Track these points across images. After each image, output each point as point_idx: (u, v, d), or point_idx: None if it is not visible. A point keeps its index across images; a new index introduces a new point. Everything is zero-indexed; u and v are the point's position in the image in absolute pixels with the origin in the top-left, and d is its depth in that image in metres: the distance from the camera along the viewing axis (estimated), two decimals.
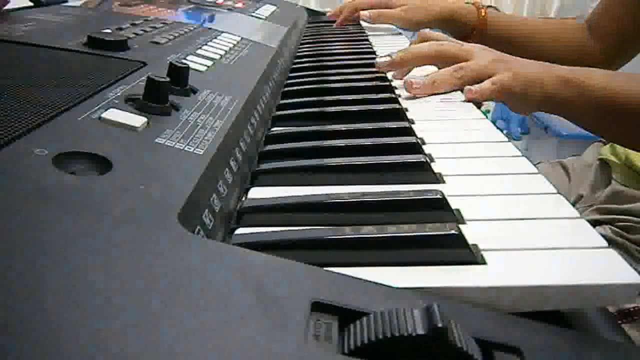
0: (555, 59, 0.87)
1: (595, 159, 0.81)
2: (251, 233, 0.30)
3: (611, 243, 0.66)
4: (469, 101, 0.54)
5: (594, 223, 0.69)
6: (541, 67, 0.58)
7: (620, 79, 0.57)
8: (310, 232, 0.29)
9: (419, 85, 0.57)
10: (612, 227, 0.68)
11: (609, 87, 0.55)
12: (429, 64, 0.63)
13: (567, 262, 0.27)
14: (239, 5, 0.95)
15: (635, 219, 0.68)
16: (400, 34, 0.96)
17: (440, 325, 0.19)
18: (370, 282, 0.23)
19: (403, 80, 0.58)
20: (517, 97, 0.56)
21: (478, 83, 0.56)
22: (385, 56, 0.61)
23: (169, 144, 0.31)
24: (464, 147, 0.43)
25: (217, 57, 0.54)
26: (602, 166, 0.79)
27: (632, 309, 0.58)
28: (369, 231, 0.28)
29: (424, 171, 0.37)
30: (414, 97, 0.57)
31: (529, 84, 0.55)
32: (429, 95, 0.57)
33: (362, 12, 0.93)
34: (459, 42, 0.63)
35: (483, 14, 0.87)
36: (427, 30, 0.71)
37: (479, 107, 0.55)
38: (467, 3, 0.90)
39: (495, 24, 0.88)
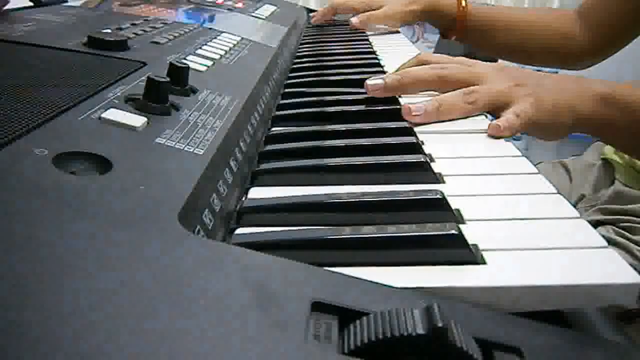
0: (539, 48, 0.88)
1: (598, 158, 0.81)
2: (251, 233, 0.30)
3: (614, 244, 0.66)
4: (495, 137, 0.45)
5: (597, 223, 0.69)
6: (573, 86, 0.50)
7: None
8: (310, 232, 0.29)
9: (419, 112, 0.47)
10: (615, 228, 0.68)
11: None
12: (431, 90, 0.53)
13: (567, 262, 0.27)
14: (239, 5, 0.96)
15: (638, 219, 0.68)
16: (398, 32, 0.96)
17: (440, 325, 0.19)
18: (370, 282, 0.23)
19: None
20: (544, 128, 0.49)
21: (493, 111, 0.48)
22: (376, 78, 0.52)
23: (169, 144, 0.31)
24: (464, 147, 0.43)
25: (217, 57, 0.54)
26: (605, 165, 0.79)
27: (633, 311, 0.58)
28: (369, 231, 0.28)
29: (424, 171, 0.37)
30: (411, 95, 0.52)
31: (557, 111, 0.48)
32: (432, 123, 0.48)
33: (351, 20, 0.94)
34: (470, 61, 0.55)
35: (463, 4, 0.87)
36: (426, 53, 0.61)
37: None
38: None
39: (476, 15, 0.88)
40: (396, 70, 0.57)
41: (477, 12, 0.88)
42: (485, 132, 0.46)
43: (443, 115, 0.48)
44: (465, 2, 0.88)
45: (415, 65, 0.55)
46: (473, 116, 0.49)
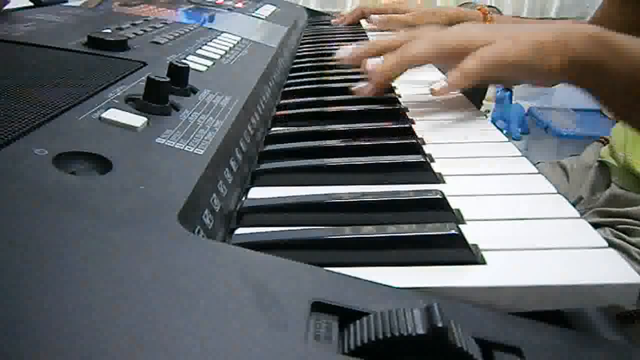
0: None
1: (595, 159, 0.81)
2: (251, 233, 0.30)
3: (612, 245, 0.66)
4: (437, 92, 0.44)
5: (594, 226, 0.68)
6: (560, 26, 0.47)
7: None
8: (310, 232, 0.29)
9: (371, 68, 0.47)
10: (613, 230, 0.68)
11: None
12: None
13: (567, 262, 0.27)
14: (239, 5, 0.95)
15: (635, 221, 0.68)
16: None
17: (440, 325, 0.19)
18: (370, 282, 0.23)
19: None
20: (529, 69, 0.44)
21: (463, 54, 0.44)
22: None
23: (169, 144, 0.31)
24: (464, 147, 0.43)
25: (217, 57, 0.54)
26: (601, 167, 0.79)
27: (632, 313, 0.58)
28: (369, 231, 0.28)
29: (424, 171, 0.37)
30: (414, 103, 0.52)
31: (544, 49, 0.44)
32: (383, 83, 0.49)
33: (372, 17, 0.94)
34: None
35: (489, 18, 0.88)
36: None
37: (478, 107, 0.54)
38: (466, 3, 0.90)
39: None
40: None
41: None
42: (487, 134, 0.46)
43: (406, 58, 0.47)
44: (491, 16, 0.88)
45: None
46: (477, 119, 0.49)
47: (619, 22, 0.80)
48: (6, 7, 0.57)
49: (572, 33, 0.45)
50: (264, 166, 0.39)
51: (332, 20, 1.07)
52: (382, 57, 0.49)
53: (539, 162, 0.91)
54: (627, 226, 0.68)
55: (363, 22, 1.05)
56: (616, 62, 0.44)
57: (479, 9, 0.89)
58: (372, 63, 0.48)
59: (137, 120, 0.32)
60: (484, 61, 0.42)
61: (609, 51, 0.44)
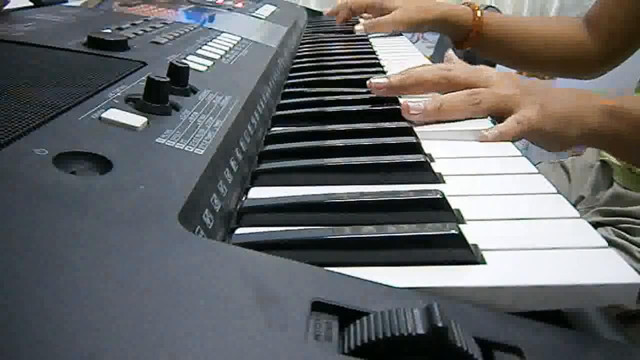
0: (553, 57, 0.87)
1: (596, 159, 0.81)
2: (251, 233, 0.30)
3: (613, 245, 0.66)
4: (483, 141, 0.45)
5: (596, 225, 0.69)
6: (578, 99, 0.50)
7: None
8: (310, 232, 0.29)
9: (418, 111, 0.46)
10: (614, 229, 0.68)
11: None
12: (435, 91, 0.52)
13: (567, 262, 0.27)
14: (239, 5, 0.95)
15: (637, 220, 0.68)
16: (401, 34, 0.96)
17: (440, 325, 0.19)
18: (370, 282, 0.23)
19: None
20: (549, 137, 0.48)
21: (497, 115, 0.47)
22: (381, 77, 0.52)
23: (169, 144, 0.31)
24: (464, 147, 0.43)
25: (217, 57, 0.54)
26: (603, 167, 0.79)
27: (634, 312, 0.58)
28: (369, 231, 0.28)
29: (424, 171, 0.37)
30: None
31: (564, 121, 0.47)
32: (433, 123, 0.47)
33: (355, 27, 0.92)
34: (477, 66, 0.53)
35: (479, 15, 0.86)
36: (451, 52, 0.61)
37: None
38: (464, 4, 0.89)
39: (491, 25, 0.86)
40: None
41: (492, 22, 0.86)
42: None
43: (444, 115, 0.47)
44: (481, 12, 0.86)
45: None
46: (477, 119, 0.49)
47: (617, 16, 0.80)
48: (6, 7, 0.57)
49: (590, 108, 0.49)
50: (264, 166, 0.39)
51: (325, 12, 1.07)
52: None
53: (539, 162, 0.91)
54: (629, 225, 0.68)
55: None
56: (632, 132, 0.49)
57: (468, 4, 0.88)
58: (421, 105, 0.48)
59: (137, 120, 0.32)
60: (515, 128, 0.46)
61: (625, 122, 0.49)
